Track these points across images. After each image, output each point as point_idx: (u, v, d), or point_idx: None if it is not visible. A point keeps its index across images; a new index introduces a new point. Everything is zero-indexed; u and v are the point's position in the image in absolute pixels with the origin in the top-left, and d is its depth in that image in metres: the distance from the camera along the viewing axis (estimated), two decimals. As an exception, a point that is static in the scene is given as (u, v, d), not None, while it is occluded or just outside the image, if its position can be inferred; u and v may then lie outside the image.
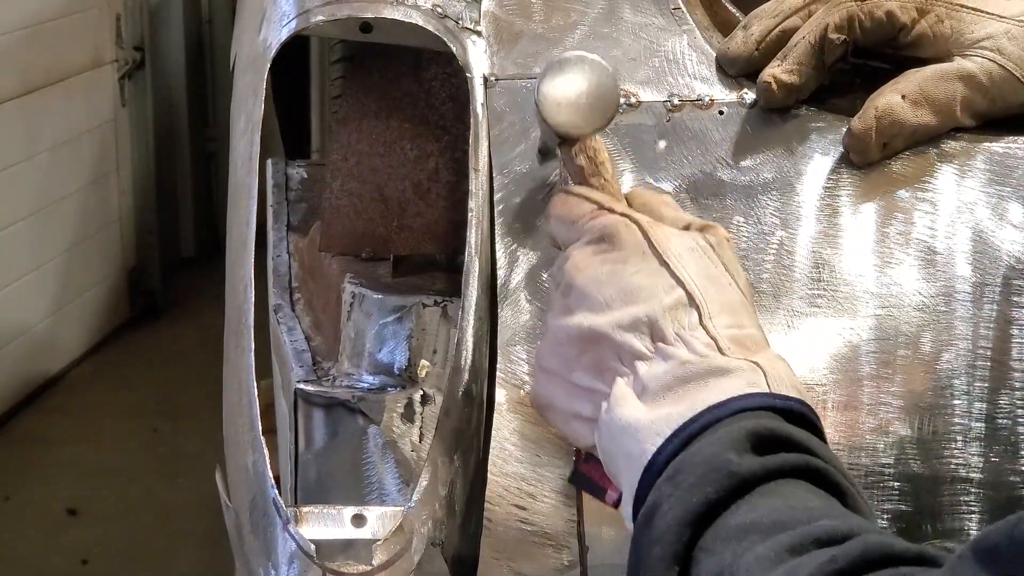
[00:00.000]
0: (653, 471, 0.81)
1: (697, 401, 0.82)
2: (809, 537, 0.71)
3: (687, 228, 0.92)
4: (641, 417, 0.83)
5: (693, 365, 0.83)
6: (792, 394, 0.83)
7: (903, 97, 1.08)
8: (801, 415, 0.83)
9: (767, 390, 0.82)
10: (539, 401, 0.94)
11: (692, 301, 0.86)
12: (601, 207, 0.92)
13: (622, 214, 0.91)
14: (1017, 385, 1.06)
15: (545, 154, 1.05)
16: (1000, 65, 1.10)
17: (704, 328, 0.85)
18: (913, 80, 1.09)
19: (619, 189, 0.97)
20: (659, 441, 0.81)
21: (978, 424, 1.05)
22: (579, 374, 0.88)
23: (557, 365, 0.90)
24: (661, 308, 0.85)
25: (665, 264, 0.87)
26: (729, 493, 0.76)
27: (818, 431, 0.84)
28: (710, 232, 0.91)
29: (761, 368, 0.83)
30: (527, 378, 1.02)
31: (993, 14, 1.10)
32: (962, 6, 1.11)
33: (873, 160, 1.09)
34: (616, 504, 0.89)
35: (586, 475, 0.93)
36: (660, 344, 0.85)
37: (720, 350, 0.84)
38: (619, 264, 0.88)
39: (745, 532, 0.73)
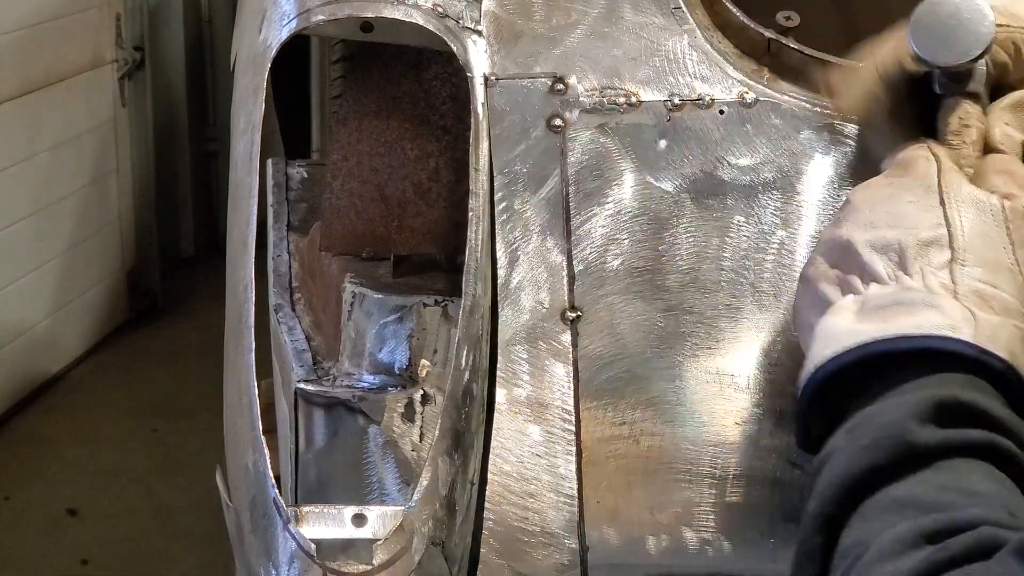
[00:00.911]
0: (817, 377, 0.81)
1: (892, 325, 0.80)
2: (952, 524, 0.67)
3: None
4: (841, 327, 0.82)
5: (913, 294, 0.81)
6: (1001, 353, 0.78)
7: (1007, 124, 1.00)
8: (1003, 377, 0.78)
9: (970, 339, 0.78)
10: (793, 307, 0.95)
11: (950, 244, 0.83)
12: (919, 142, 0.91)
13: (930, 149, 0.90)
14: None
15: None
16: None
17: (950, 271, 0.82)
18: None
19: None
20: (839, 350, 0.80)
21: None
22: (824, 285, 0.88)
23: (813, 274, 0.91)
24: (916, 240, 0.84)
25: (942, 203, 0.85)
26: (899, 463, 0.73)
27: None
28: (1016, 201, 0.87)
29: (975, 318, 0.79)
30: (527, 377, 1.02)
31: None
32: None
33: None
34: None
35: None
36: (901, 273, 0.83)
37: (955, 295, 0.81)
38: (900, 190, 0.88)
39: (902, 507, 0.71)
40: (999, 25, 1.02)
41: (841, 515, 0.73)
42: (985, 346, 0.79)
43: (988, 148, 0.98)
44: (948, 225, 0.84)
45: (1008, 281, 0.83)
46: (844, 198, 1.08)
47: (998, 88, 1.03)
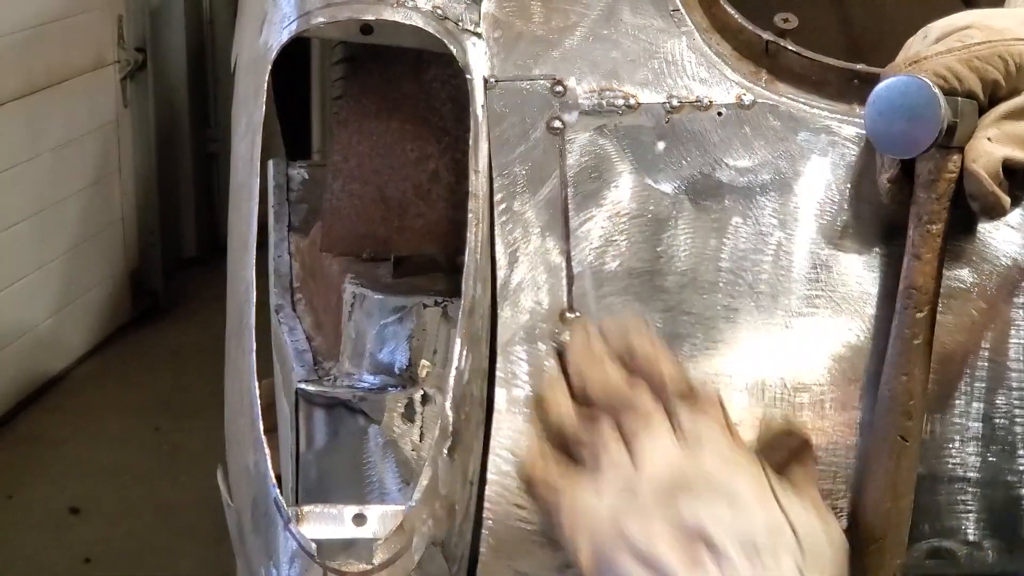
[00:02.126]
0: None
1: None
2: None
3: None
4: None
5: None
6: None
7: (989, 139, 1.01)
8: None
9: None
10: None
11: (798, 544, 0.84)
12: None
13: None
14: (1014, 385, 1.06)
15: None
16: None
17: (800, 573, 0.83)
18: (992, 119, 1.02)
19: None
20: None
21: (975, 424, 1.06)
22: (673, 562, 0.83)
23: (653, 552, 0.84)
24: (765, 532, 0.83)
25: (776, 498, 0.86)
26: None
27: None
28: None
29: None
30: (526, 377, 1.03)
31: None
32: (1019, 39, 1.03)
33: (1008, 209, 1.02)
34: None
35: None
36: (759, 567, 0.82)
37: None
38: (735, 472, 0.86)
39: None
40: (981, 43, 1.02)
41: None
42: None
43: (964, 171, 1.00)
44: (790, 524, 0.84)
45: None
46: (840, 201, 1.08)
47: (993, 101, 1.03)
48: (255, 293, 1.08)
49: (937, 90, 0.99)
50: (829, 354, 1.05)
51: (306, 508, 0.98)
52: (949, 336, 1.06)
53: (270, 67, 1.14)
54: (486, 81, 1.11)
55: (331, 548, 0.96)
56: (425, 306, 1.11)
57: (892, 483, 1.01)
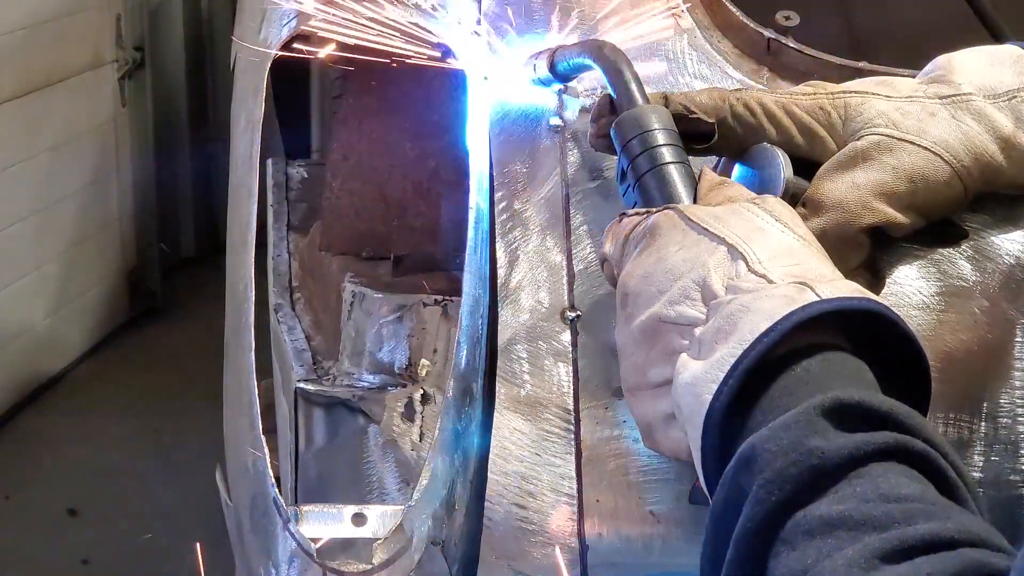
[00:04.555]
0: (713, 420, 0.76)
1: (744, 333, 0.77)
2: (905, 542, 0.64)
3: None
4: (697, 371, 0.79)
5: (737, 301, 0.79)
6: (853, 294, 0.77)
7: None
8: (868, 312, 0.77)
9: (816, 298, 0.77)
10: (639, 425, 0.89)
11: (736, 252, 0.82)
12: (648, 212, 0.90)
13: (662, 209, 0.89)
14: (1017, 384, 1.06)
15: None
16: (898, 139, 0.98)
17: (753, 272, 0.81)
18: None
19: None
20: (714, 387, 0.76)
21: (978, 423, 1.06)
22: (653, 372, 0.84)
23: (635, 377, 0.86)
24: (705, 269, 0.82)
25: (704, 231, 0.85)
26: (813, 486, 0.69)
27: (893, 327, 0.78)
28: (760, 199, 0.89)
29: (808, 285, 0.78)
30: (527, 376, 1.02)
31: (880, 95, 1.01)
32: (847, 92, 1.01)
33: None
34: None
35: (702, 489, 0.86)
36: (712, 302, 0.81)
37: (774, 285, 0.80)
38: (662, 251, 0.86)
39: (831, 527, 0.67)
40: (805, 94, 1.00)
41: (763, 547, 0.69)
42: (836, 295, 0.77)
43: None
44: (723, 240, 0.83)
45: (808, 254, 0.83)
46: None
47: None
48: (254, 292, 1.08)
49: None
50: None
51: (305, 508, 0.97)
52: (951, 334, 1.06)
53: (269, 65, 1.14)
54: (486, 79, 1.10)
55: (330, 548, 0.96)
56: (425, 305, 1.11)
57: None
